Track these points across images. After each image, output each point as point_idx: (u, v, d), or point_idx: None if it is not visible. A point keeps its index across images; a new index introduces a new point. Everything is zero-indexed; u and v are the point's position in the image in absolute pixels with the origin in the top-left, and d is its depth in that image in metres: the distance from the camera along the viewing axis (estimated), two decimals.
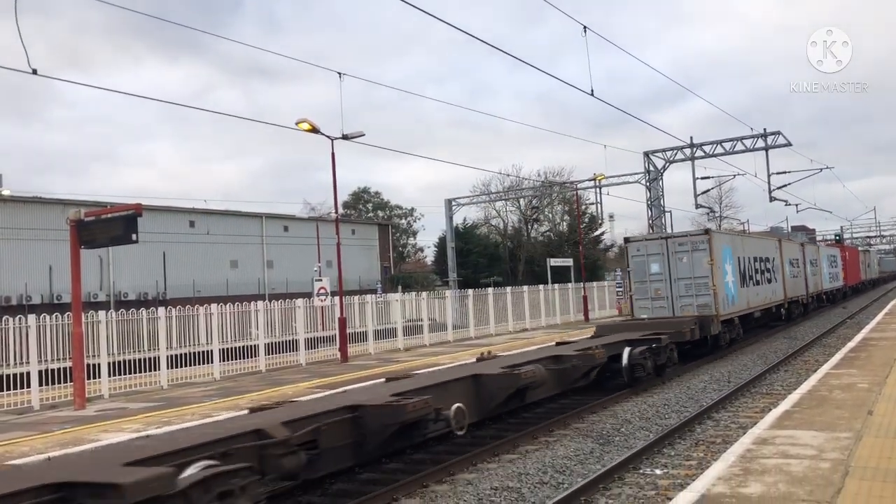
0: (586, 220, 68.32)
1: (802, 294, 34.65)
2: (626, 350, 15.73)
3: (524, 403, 12.95)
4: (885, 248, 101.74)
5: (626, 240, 23.98)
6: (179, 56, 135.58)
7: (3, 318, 16.18)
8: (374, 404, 9.43)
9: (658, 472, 9.59)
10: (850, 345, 17.67)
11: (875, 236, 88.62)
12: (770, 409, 11.31)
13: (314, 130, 22.12)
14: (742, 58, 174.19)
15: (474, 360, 15.26)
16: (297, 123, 22.10)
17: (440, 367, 16.38)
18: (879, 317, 27.16)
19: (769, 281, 28.10)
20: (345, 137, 23.13)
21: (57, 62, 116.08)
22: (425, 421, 9.63)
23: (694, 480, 7.13)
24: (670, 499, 7.23)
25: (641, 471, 9.65)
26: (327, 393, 13.53)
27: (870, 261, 73.28)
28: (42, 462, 8.92)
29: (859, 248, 69.87)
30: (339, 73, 20.86)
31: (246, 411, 10.37)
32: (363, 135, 23.41)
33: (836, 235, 79.77)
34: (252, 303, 21.97)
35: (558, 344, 17.95)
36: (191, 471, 6.14)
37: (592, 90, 18.10)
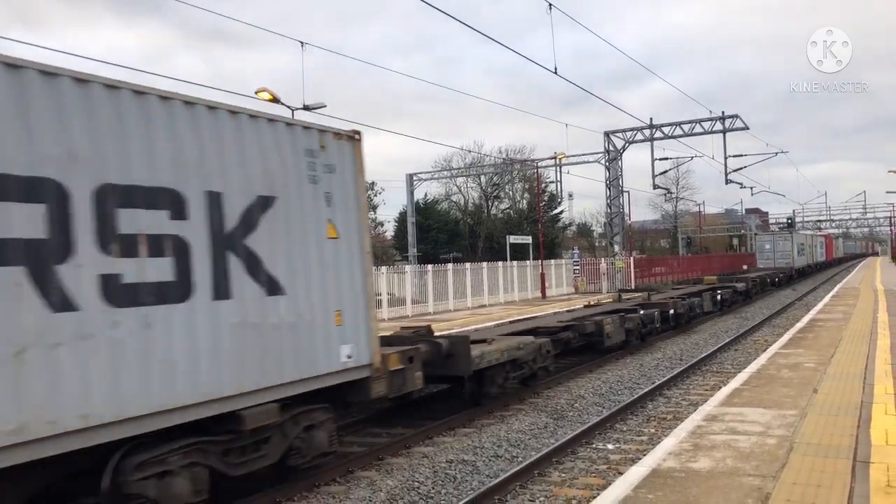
0: (546, 198, 68.69)
1: (812, 262, 65.32)
2: (777, 277, 44.79)
3: None
4: (835, 233, 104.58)
5: (756, 234, 65.22)
6: (139, 16, 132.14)
7: None
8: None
9: (610, 446, 9.78)
10: (799, 325, 18.14)
11: (825, 220, 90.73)
12: (720, 387, 11.59)
13: (274, 100, 21.80)
14: (710, 37, 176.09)
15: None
16: (256, 93, 21.76)
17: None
18: (827, 299, 27.92)
19: (803, 254, 59.37)
20: (306, 108, 22.86)
21: (6, 19, 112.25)
22: None
23: (645, 455, 7.29)
24: (622, 473, 7.39)
25: (594, 445, 9.83)
26: None
27: (838, 245, 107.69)
28: None
29: (833, 237, 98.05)
30: (301, 42, 20.56)
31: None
32: (324, 106, 23.17)
33: (788, 219, 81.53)
34: None
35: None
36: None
37: (556, 68, 18.14)
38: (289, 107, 22.48)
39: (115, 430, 5.85)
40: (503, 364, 11.73)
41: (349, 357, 8.29)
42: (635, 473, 6.30)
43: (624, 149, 46.34)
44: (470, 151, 66.77)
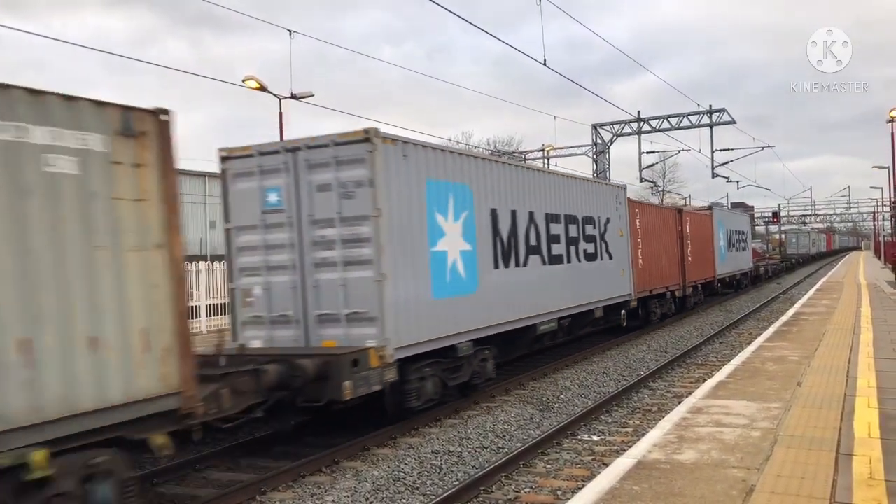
0: None
1: (819, 251, 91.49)
2: (802, 259, 75.40)
3: None
4: (819, 227, 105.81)
5: (786, 232, 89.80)
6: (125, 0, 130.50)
7: None
8: None
9: (595, 438, 9.81)
10: (783, 319, 18.24)
11: (810, 215, 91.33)
12: (705, 380, 11.64)
13: (262, 89, 21.65)
14: (704, 28, 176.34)
15: None
16: (243, 80, 21.59)
17: None
18: (811, 292, 28.09)
19: (815, 246, 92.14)
20: (293, 97, 22.70)
21: None
22: None
23: (630, 447, 7.31)
24: (607, 464, 7.40)
25: (579, 437, 9.86)
26: None
27: (835, 239, 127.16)
28: None
29: (832, 233, 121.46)
30: (290, 31, 20.36)
31: None
32: (312, 95, 23.01)
33: (773, 213, 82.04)
34: (193, 263, 21.57)
35: None
36: None
37: (545, 59, 18.04)
38: (276, 95, 22.33)
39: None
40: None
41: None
42: (621, 465, 6.31)
43: (612, 141, 46.38)
44: (458, 143, 66.59)
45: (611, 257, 17.49)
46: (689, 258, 24.78)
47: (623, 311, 18.47)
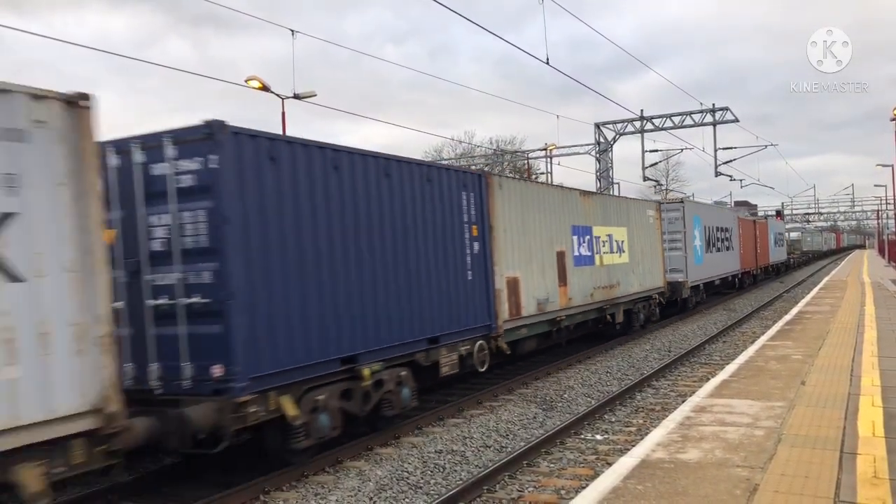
0: None
1: (830, 248, 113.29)
2: (817, 253, 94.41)
3: None
4: (822, 225, 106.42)
5: (803, 231, 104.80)
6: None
7: None
8: None
9: (599, 437, 9.81)
10: (787, 318, 18.19)
11: (813, 213, 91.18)
12: (708, 379, 11.62)
13: (265, 89, 21.64)
14: (709, 27, 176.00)
15: None
16: (246, 81, 21.59)
17: None
18: (814, 291, 28.03)
19: (827, 244, 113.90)
20: (296, 97, 22.70)
21: None
22: None
23: (634, 446, 7.30)
24: (611, 463, 7.40)
25: (582, 436, 9.85)
26: None
27: (843, 238, 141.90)
28: None
29: (842, 232, 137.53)
30: (292, 31, 20.36)
31: None
32: (315, 95, 23.00)
33: (776, 211, 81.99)
34: None
35: None
36: None
37: (548, 59, 17.99)
38: (278, 95, 22.34)
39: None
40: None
41: None
42: (624, 464, 6.30)
43: (615, 140, 46.31)
44: (461, 142, 66.56)
45: (732, 249, 32.38)
46: (758, 250, 40.28)
47: (736, 280, 33.75)
